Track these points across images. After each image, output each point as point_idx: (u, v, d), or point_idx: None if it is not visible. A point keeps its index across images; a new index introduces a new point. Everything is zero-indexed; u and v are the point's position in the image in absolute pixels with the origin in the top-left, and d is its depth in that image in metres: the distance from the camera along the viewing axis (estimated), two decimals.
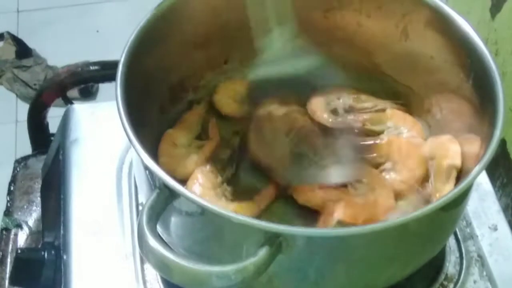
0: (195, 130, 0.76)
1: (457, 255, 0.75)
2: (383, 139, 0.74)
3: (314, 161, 0.72)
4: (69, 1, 1.92)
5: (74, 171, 0.80)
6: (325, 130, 0.76)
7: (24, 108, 1.54)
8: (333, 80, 0.81)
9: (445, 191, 0.68)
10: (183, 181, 0.70)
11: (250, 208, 0.69)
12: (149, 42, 0.68)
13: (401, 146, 0.74)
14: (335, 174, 0.71)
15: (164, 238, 0.63)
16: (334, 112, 0.78)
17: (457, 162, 0.69)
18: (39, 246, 0.81)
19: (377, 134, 0.76)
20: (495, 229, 0.77)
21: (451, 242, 0.75)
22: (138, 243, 0.56)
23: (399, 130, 0.76)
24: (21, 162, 0.99)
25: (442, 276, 0.73)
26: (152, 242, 0.54)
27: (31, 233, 0.92)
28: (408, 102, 0.78)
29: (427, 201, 0.69)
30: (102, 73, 0.96)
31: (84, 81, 0.99)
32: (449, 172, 0.70)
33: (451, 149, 0.71)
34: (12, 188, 0.96)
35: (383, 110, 0.78)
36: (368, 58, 0.79)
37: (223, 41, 0.78)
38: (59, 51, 1.75)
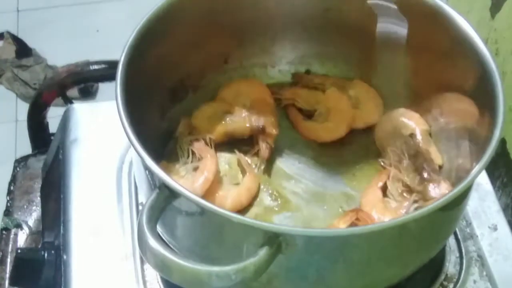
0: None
1: (457, 255, 0.75)
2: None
3: None
4: (69, 1, 1.92)
5: (74, 171, 0.80)
6: None
7: (24, 108, 1.54)
8: None
9: (433, 151, 0.72)
10: None
11: None
12: (149, 42, 0.68)
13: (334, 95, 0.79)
14: None
15: (164, 238, 0.63)
16: None
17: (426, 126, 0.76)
18: (39, 246, 0.81)
19: None
20: (495, 229, 0.77)
21: (451, 242, 0.75)
22: (138, 243, 0.56)
23: (358, 100, 0.78)
24: (21, 162, 0.98)
25: (442, 276, 0.73)
26: (152, 242, 0.54)
27: (31, 233, 0.92)
28: (408, 102, 0.78)
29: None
30: (102, 72, 0.96)
31: (84, 80, 0.99)
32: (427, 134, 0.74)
33: (414, 116, 0.76)
34: (12, 188, 0.96)
35: (350, 79, 0.80)
36: (368, 57, 0.80)
37: (223, 41, 0.78)
38: (59, 51, 1.75)
